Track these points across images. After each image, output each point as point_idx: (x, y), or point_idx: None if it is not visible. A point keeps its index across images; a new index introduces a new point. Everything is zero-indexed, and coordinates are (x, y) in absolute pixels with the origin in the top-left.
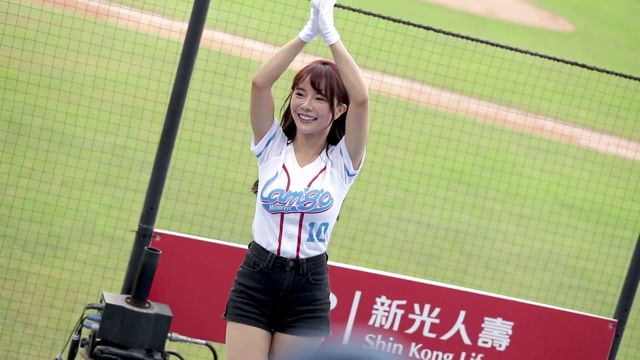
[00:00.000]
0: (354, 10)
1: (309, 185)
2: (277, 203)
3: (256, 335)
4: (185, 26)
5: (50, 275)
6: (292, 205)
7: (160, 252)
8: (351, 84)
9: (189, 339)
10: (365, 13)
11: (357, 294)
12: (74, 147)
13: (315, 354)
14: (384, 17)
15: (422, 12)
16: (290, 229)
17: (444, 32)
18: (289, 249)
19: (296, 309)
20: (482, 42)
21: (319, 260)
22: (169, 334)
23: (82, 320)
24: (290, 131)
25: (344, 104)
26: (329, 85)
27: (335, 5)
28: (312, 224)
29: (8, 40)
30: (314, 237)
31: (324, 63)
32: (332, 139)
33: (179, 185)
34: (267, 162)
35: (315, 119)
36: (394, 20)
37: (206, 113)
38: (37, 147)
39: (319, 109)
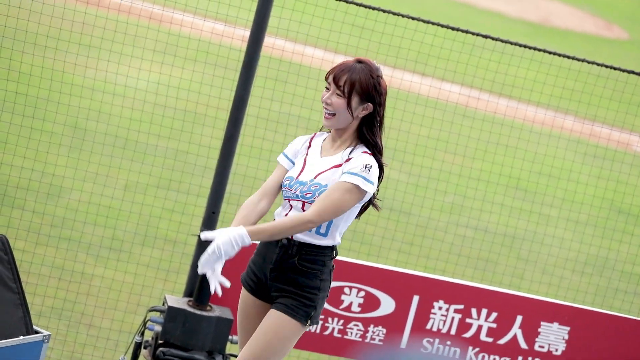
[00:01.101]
0: (413, 18)
1: (316, 177)
2: (286, 189)
3: (249, 301)
4: (246, 33)
5: (112, 278)
6: (296, 193)
7: None
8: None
9: None
10: (424, 21)
11: (415, 298)
12: (137, 152)
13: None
14: (442, 25)
15: (479, 19)
16: (294, 214)
17: (501, 40)
18: None
19: (279, 286)
20: (538, 50)
21: (312, 249)
22: (230, 337)
23: (144, 323)
24: None
25: (369, 104)
26: (348, 81)
27: (393, 14)
28: None
29: (73, 48)
30: (312, 229)
31: (359, 61)
32: (362, 137)
33: (240, 190)
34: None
35: (334, 114)
36: (452, 28)
37: (267, 119)
38: (101, 152)
39: (337, 104)
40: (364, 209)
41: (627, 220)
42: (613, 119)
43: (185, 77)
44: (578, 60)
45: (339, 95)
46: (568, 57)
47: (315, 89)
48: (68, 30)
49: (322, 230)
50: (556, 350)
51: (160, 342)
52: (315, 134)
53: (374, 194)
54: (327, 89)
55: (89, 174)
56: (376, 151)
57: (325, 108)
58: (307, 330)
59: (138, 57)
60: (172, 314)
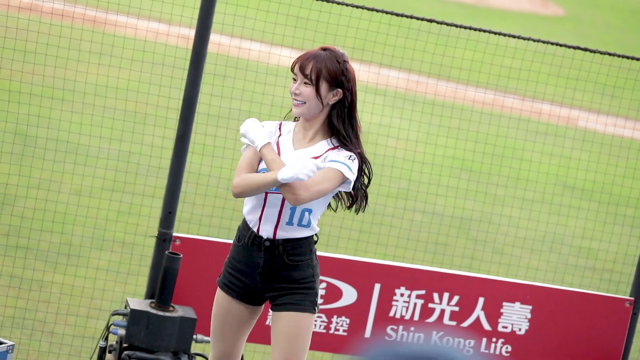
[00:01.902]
0: (347, 4)
1: None
2: None
3: (232, 306)
4: (191, 32)
5: (71, 284)
6: (275, 186)
7: (181, 255)
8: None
9: None
10: (357, 7)
11: (377, 287)
12: (81, 155)
13: (388, 353)
14: (377, 10)
15: (415, 3)
16: (271, 210)
17: (438, 22)
18: (267, 228)
19: (276, 286)
20: (475, 29)
21: (297, 242)
22: (194, 336)
23: (108, 327)
24: None
25: (339, 89)
26: (314, 69)
27: (328, 1)
28: (292, 209)
29: (9, 53)
30: (294, 221)
31: (323, 49)
32: (332, 125)
33: (195, 189)
34: None
35: (304, 102)
36: (388, 13)
37: (217, 116)
38: (44, 157)
39: (306, 93)
40: (352, 203)
41: (575, 195)
42: (554, 94)
43: (133, 78)
44: (514, 37)
45: (306, 83)
46: (504, 34)
47: (264, 82)
48: (2, 36)
49: (305, 222)
50: (519, 329)
51: (124, 345)
52: (281, 122)
53: (359, 193)
54: (295, 79)
55: (33, 180)
56: (347, 142)
57: (295, 99)
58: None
59: (75, 59)
60: (135, 317)
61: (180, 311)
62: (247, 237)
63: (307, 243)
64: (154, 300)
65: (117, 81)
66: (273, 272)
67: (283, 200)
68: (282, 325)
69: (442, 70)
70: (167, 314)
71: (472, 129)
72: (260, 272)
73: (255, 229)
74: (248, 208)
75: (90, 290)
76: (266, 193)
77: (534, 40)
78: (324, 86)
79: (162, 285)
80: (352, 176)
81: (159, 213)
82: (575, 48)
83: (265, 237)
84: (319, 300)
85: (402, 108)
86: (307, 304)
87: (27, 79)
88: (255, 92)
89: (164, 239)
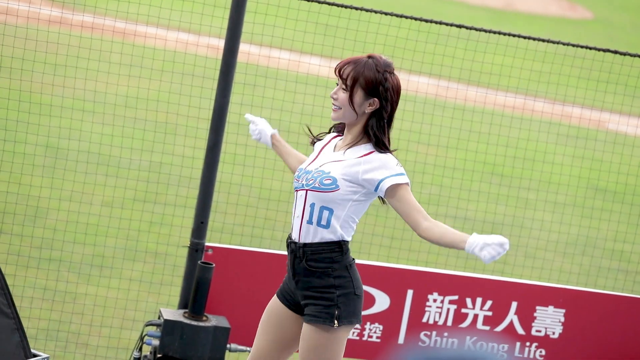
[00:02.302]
0: (375, 12)
1: (321, 166)
2: (295, 180)
3: (277, 305)
4: (220, 42)
5: (100, 295)
6: (302, 182)
7: (214, 265)
8: (432, 243)
9: (248, 348)
10: (386, 14)
11: (409, 293)
12: (112, 167)
13: (423, 358)
14: (406, 17)
15: (443, 9)
16: (298, 207)
17: (466, 27)
18: (295, 227)
19: (302, 293)
20: (504, 34)
21: (317, 247)
22: (228, 345)
23: (142, 338)
24: None
25: (374, 99)
26: (351, 74)
27: (356, 9)
28: (312, 205)
29: (39, 67)
30: (314, 219)
31: (369, 57)
32: (368, 133)
33: (226, 198)
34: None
35: (340, 108)
36: (416, 19)
37: (238, 124)
38: (76, 169)
39: (341, 98)
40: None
41: (606, 198)
42: (583, 98)
43: (163, 89)
44: (542, 41)
45: (344, 89)
46: (532, 38)
47: (293, 91)
48: (33, 50)
49: (324, 222)
50: (553, 333)
51: (159, 355)
52: (338, 135)
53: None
54: (337, 83)
55: (65, 192)
56: (385, 149)
57: (333, 103)
58: (351, 329)
59: (105, 71)
60: (168, 327)
61: (213, 321)
62: (287, 240)
63: (329, 250)
64: (187, 310)
65: (147, 92)
66: (300, 276)
67: (306, 194)
68: (302, 337)
69: (472, 76)
70: (200, 323)
71: (502, 134)
72: (292, 274)
73: (290, 232)
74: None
75: (123, 301)
76: (296, 191)
77: (563, 44)
78: (358, 93)
79: (195, 295)
80: (408, 178)
81: (191, 223)
82: (604, 51)
83: (293, 239)
84: (352, 314)
85: (432, 114)
86: (324, 316)
87: (57, 92)
88: (285, 101)
89: (196, 249)
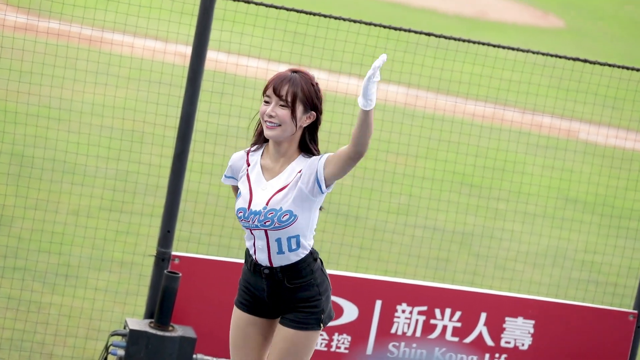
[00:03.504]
0: (344, 19)
1: (267, 202)
2: (243, 220)
3: (249, 321)
4: (187, 50)
5: (66, 305)
6: (254, 223)
7: (180, 274)
8: (362, 142)
9: (215, 359)
10: (355, 21)
11: (378, 303)
12: (79, 175)
13: None
14: (375, 25)
15: (415, 18)
16: (260, 242)
17: (436, 35)
18: (262, 258)
19: (284, 305)
20: (474, 42)
21: (295, 267)
22: (194, 356)
23: (107, 348)
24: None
25: (313, 112)
26: (290, 92)
27: (325, 16)
28: (278, 239)
29: (5, 74)
30: (284, 249)
31: (294, 71)
32: (304, 146)
33: (193, 207)
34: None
35: (279, 125)
36: (385, 27)
37: (215, 134)
38: (42, 177)
39: (282, 115)
40: None
41: (577, 208)
42: (554, 107)
43: (130, 96)
44: (511, 49)
45: (282, 106)
46: (502, 47)
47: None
48: (7, 58)
49: (294, 247)
50: (522, 344)
51: None
52: (249, 149)
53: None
54: (267, 102)
55: (30, 201)
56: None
57: (270, 121)
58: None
59: (71, 79)
60: (134, 337)
61: (179, 331)
62: (250, 264)
63: (306, 264)
64: (153, 320)
65: (114, 100)
66: (278, 295)
67: (266, 233)
68: (280, 339)
69: (442, 84)
70: (166, 333)
71: (472, 143)
72: (266, 295)
73: (254, 257)
74: (245, 238)
75: (88, 311)
76: (250, 229)
77: (534, 52)
78: (299, 109)
79: (162, 305)
80: None
81: (158, 232)
82: (574, 60)
83: (263, 265)
84: (330, 312)
85: (402, 123)
86: (311, 321)
87: (23, 99)
88: (254, 109)
89: (162, 258)
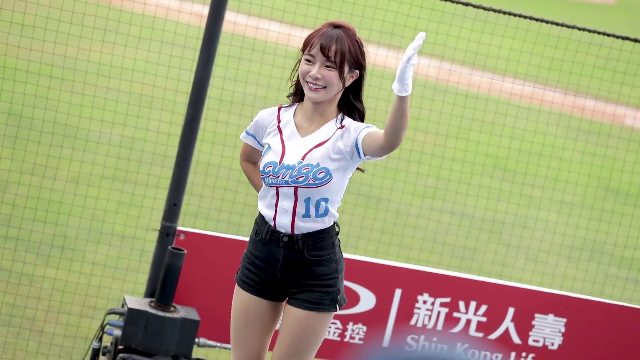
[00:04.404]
0: None
1: (303, 157)
2: (271, 176)
3: (252, 304)
4: (205, 10)
5: (65, 280)
6: (285, 178)
7: (185, 251)
8: (397, 132)
9: (218, 344)
10: None
11: (397, 292)
12: (80, 140)
13: (392, 356)
14: None
15: None
16: (285, 203)
17: (474, 6)
18: (283, 222)
19: (297, 281)
20: (515, 15)
21: (318, 236)
22: (196, 340)
23: (102, 327)
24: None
25: (356, 70)
26: (338, 51)
27: None
28: (307, 199)
29: (5, 26)
30: (311, 212)
31: (336, 26)
32: (347, 105)
33: (203, 180)
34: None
35: (324, 87)
36: None
37: (230, 102)
38: (40, 140)
39: (328, 76)
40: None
41: (618, 200)
42: (599, 89)
43: (140, 57)
44: (555, 24)
45: (329, 67)
46: (544, 21)
47: (282, 66)
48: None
49: (322, 211)
50: (552, 344)
51: (120, 347)
52: (280, 107)
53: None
54: (309, 61)
55: (27, 165)
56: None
57: (314, 82)
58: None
59: (77, 35)
60: (132, 317)
61: (182, 312)
62: (265, 232)
63: (329, 235)
64: (153, 300)
65: (122, 60)
66: (293, 268)
67: (296, 191)
68: (292, 322)
69: (478, 59)
70: (167, 314)
71: (507, 124)
72: (280, 267)
73: (272, 224)
74: (262, 202)
75: (85, 286)
76: (277, 187)
77: (580, 29)
78: (346, 69)
79: (164, 284)
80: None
81: (163, 205)
82: (624, 38)
83: (283, 232)
84: (343, 296)
85: (432, 99)
86: (326, 302)
87: (24, 55)
88: (273, 77)
89: (167, 233)
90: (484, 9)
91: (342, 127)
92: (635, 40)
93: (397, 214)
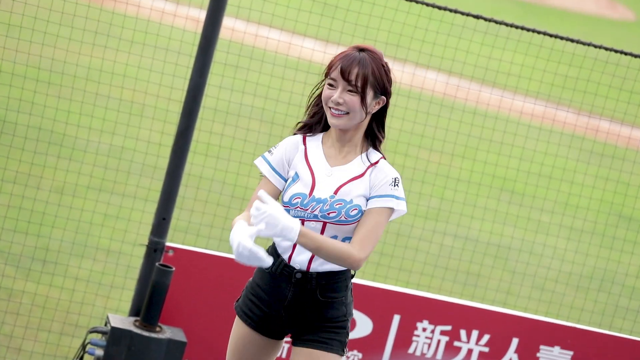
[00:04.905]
0: None
1: (336, 192)
2: (298, 208)
3: (248, 338)
4: (202, 14)
5: (41, 294)
6: (314, 212)
7: (174, 268)
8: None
9: None
10: None
11: (396, 318)
12: (66, 148)
13: None
14: (417, 1)
15: None
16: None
17: (485, 19)
18: (300, 259)
19: (303, 321)
20: (527, 30)
21: (334, 277)
22: None
23: (84, 346)
24: (323, 123)
25: (383, 97)
26: (360, 75)
27: None
28: (334, 237)
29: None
30: None
31: (361, 50)
32: (371, 133)
33: (194, 194)
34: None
35: (347, 113)
36: (429, 5)
37: (226, 112)
38: (24, 147)
39: (350, 102)
40: None
41: (632, 227)
42: (614, 110)
43: (132, 63)
44: (570, 41)
45: (351, 91)
46: (558, 37)
47: (281, 77)
48: None
49: None
50: None
51: None
52: (305, 135)
53: None
54: (332, 86)
55: (11, 174)
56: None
57: (337, 108)
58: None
59: (66, 37)
60: (116, 336)
61: (168, 332)
62: (276, 266)
63: (344, 277)
64: (138, 319)
65: (113, 65)
66: (301, 308)
67: (324, 226)
68: (302, 359)
69: (487, 75)
70: (152, 334)
71: (517, 144)
72: (286, 305)
73: (286, 257)
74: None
75: (66, 303)
76: (303, 220)
77: (596, 46)
78: (369, 94)
79: (150, 302)
80: (403, 204)
81: (151, 219)
82: None
83: (297, 268)
84: (347, 339)
85: (439, 115)
86: (335, 344)
87: (9, 56)
88: (271, 88)
89: (155, 248)
90: (496, 22)
91: (372, 165)
92: None
93: (397, 235)
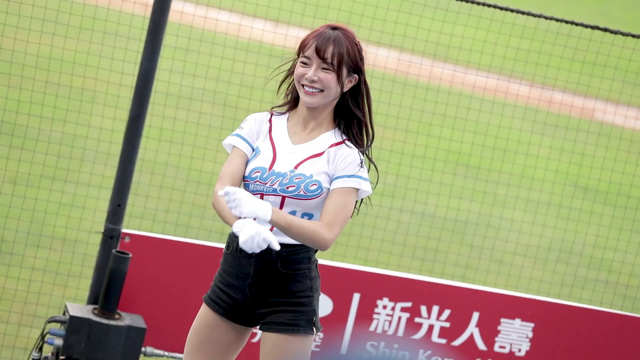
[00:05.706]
0: None
1: (296, 167)
2: (257, 182)
3: (215, 324)
4: None
5: (2, 286)
6: (273, 186)
7: (131, 255)
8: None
9: (166, 353)
10: None
11: (356, 297)
12: (18, 137)
13: None
14: None
15: None
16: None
17: None
18: None
19: (268, 300)
20: (477, 3)
21: (294, 248)
22: (142, 348)
23: (43, 336)
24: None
25: (355, 75)
26: (336, 53)
27: None
28: (292, 212)
29: None
30: None
31: (334, 28)
32: (346, 113)
33: (149, 179)
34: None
35: (321, 90)
36: None
37: (178, 96)
38: None
39: (325, 79)
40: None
41: (588, 197)
42: (567, 81)
43: (81, 49)
44: (521, 13)
45: (325, 69)
46: (509, 9)
47: (232, 58)
48: None
49: None
50: (519, 350)
51: (61, 357)
52: (271, 113)
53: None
54: (305, 64)
55: None
56: (357, 136)
57: (311, 86)
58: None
59: (13, 25)
60: (74, 325)
61: (127, 319)
62: (237, 244)
63: (306, 249)
64: (97, 307)
65: (62, 53)
66: (264, 283)
67: (283, 202)
68: (270, 348)
69: (439, 50)
70: (112, 322)
71: (471, 119)
72: (250, 282)
73: None
74: None
75: (23, 293)
76: (262, 194)
77: (546, 18)
78: (344, 72)
79: (107, 289)
80: (368, 185)
81: (107, 206)
82: (593, 28)
83: None
84: (318, 319)
85: (391, 92)
86: (301, 323)
87: None
88: (223, 70)
89: (111, 235)
90: None
91: (337, 143)
92: (605, 30)
93: (358, 214)
